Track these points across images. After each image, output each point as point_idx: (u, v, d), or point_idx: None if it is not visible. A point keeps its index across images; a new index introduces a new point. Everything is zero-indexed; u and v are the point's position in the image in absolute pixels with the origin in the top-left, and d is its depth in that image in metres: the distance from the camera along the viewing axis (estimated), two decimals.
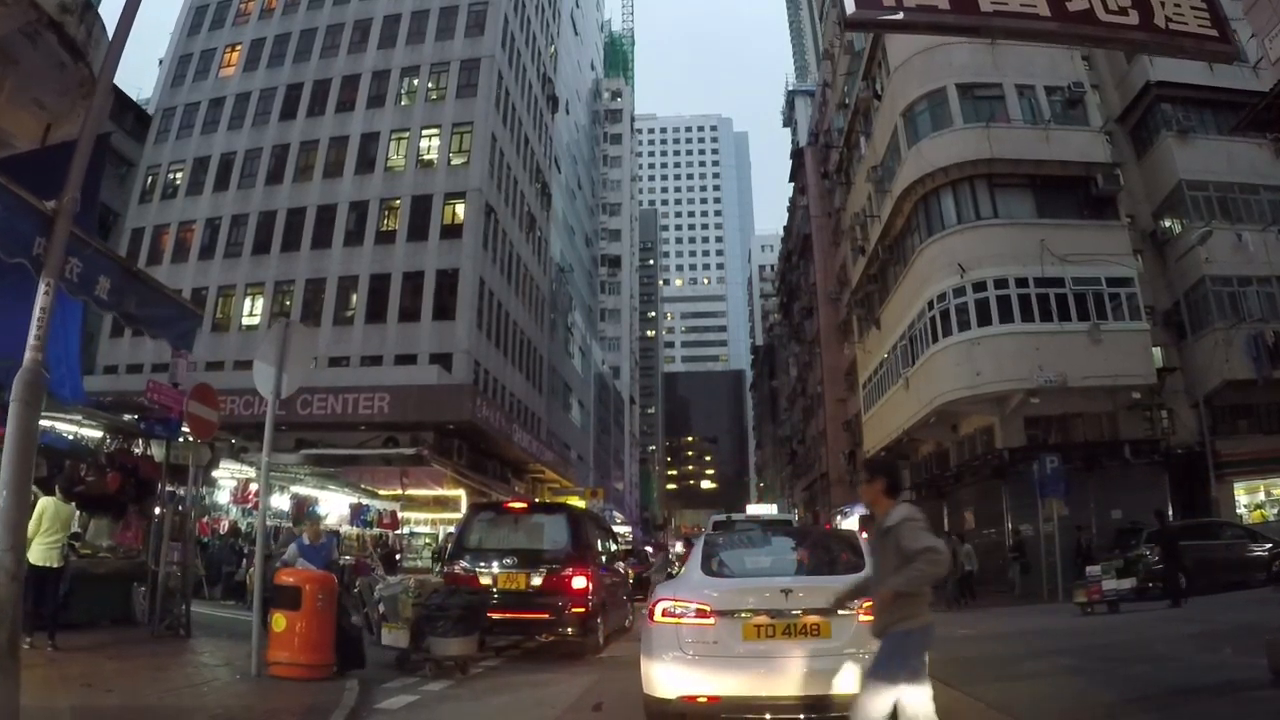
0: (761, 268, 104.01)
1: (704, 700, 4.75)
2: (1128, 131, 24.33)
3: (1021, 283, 20.31)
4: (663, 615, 4.98)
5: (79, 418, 9.28)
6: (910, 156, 23.02)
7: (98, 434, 9.94)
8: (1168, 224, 23.19)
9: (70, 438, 9.55)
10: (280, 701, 5.99)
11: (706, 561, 5.49)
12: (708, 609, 4.86)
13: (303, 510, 15.76)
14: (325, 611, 6.92)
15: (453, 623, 7.17)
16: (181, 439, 10.05)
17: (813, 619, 4.74)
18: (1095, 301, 20.23)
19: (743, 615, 4.81)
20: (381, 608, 7.95)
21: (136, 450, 10.61)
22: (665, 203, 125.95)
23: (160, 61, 36.25)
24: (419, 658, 7.56)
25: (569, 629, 8.87)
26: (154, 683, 6.41)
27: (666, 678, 4.88)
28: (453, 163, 30.24)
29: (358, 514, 18.34)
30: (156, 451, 10.28)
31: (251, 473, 14.94)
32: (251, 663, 6.83)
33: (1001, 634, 11.23)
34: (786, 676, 4.64)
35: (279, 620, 6.84)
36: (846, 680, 4.46)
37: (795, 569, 5.61)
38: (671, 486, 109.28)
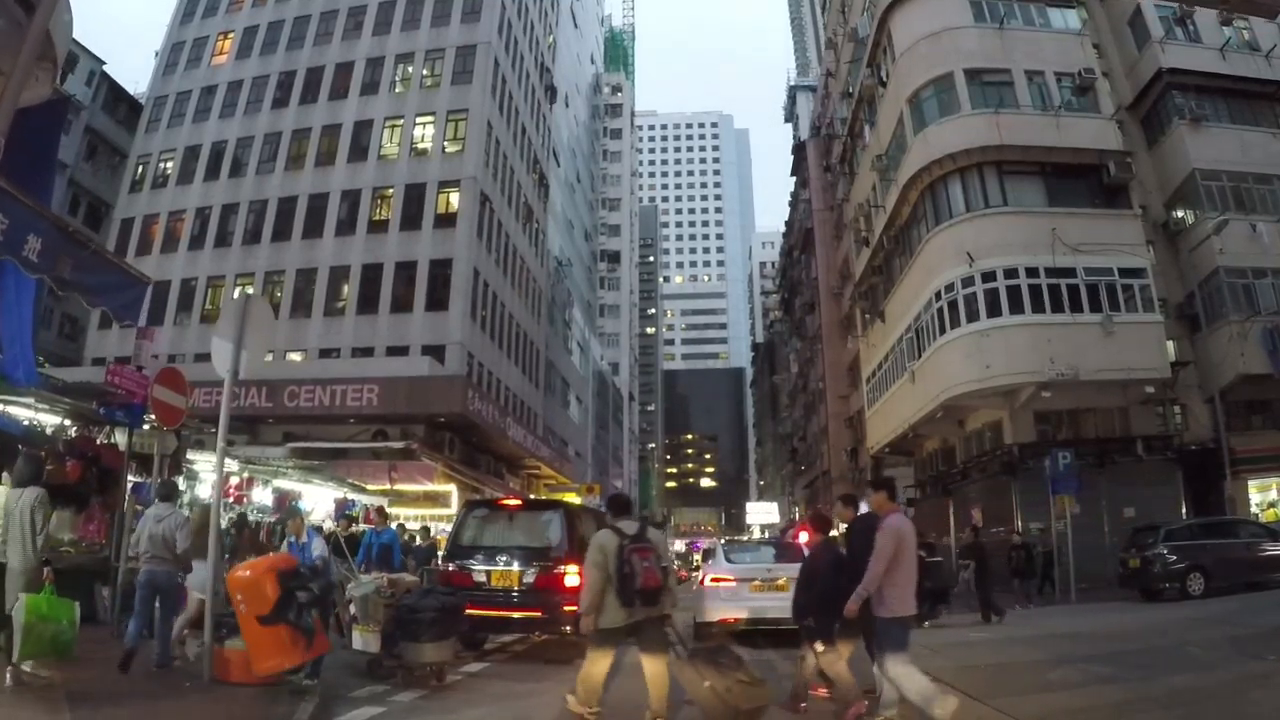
0: (762, 265, 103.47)
1: (731, 620, 9.71)
2: (1139, 120, 23.70)
3: (1032, 273, 19.65)
4: (711, 581, 10.31)
5: (32, 401, 8.65)
6: (916, 143, 22.37)
7: (55, 419, 9.31)
8: (1180, 214, 22.60)
9: (25, 423, 8.93)
10: (228, 715, 5.39)
11: (728, 556, 11.12)
12: (731, 578, 10.11)
13: (285, 505, 15.15)
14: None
15: (426, 626, 6.51)
16: (146, 426, 9.45)
17: (781, 582, 9.37)
18: (1108, 292, 19.58)
19: (748, 580, 9.94)
20: (353, 609, 7.31)
21: (101, 440, 9.99)
22: (666, 199, 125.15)
23: (156, 54, 35.60)
24: (391, 664, 6.91)
25: (564, 628, 8.43)
26: (97, 690, 5.81)
27: (712, 610, 9.90)
28: (447, 150, 29.49)
29: (342, 509, 17.68)
30: (121, 439, 9.68)
31: (234, 465, 14.39)
32: (204, 667, 6.22)
33: None
34: (770, 609, 9.26)
35: None
36: None
37: (773, 559, 10.66)
38: (671, 484, 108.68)
